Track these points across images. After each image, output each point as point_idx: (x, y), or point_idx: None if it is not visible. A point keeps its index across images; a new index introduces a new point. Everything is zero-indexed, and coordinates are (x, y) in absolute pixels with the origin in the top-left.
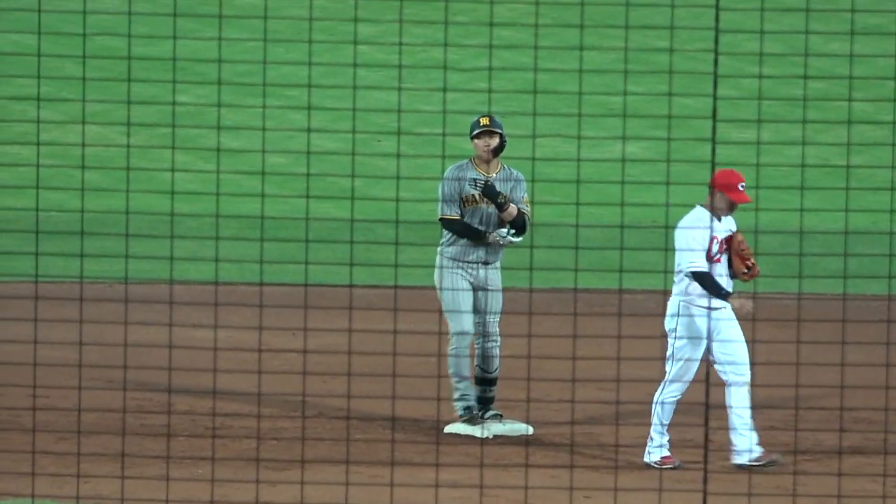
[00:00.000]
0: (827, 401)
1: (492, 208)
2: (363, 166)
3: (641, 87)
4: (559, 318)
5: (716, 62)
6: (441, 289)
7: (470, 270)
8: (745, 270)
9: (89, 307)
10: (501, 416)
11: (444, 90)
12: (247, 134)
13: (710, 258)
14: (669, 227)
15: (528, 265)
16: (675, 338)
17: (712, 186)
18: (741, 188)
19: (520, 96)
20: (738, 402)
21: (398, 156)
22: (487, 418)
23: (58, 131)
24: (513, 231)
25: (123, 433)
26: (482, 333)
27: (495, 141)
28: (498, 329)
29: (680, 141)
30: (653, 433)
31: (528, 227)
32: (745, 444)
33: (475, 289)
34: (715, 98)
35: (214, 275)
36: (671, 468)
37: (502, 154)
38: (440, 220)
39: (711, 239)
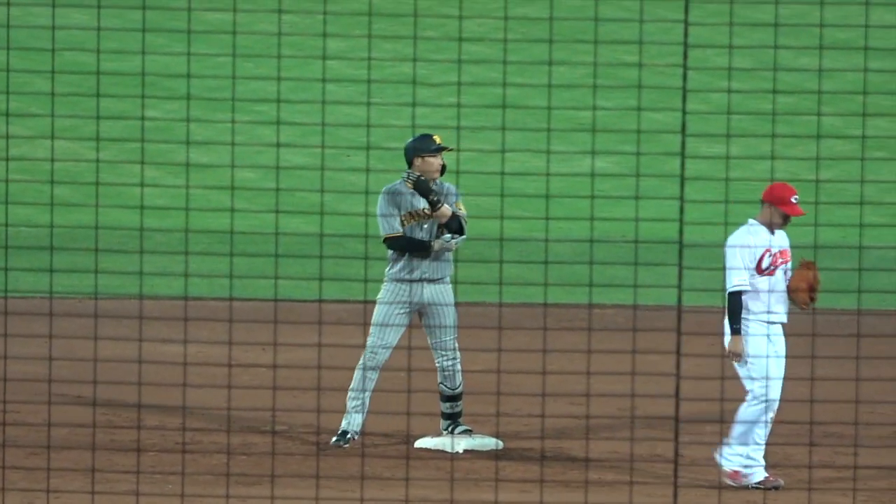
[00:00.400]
0: (797, 415)
1: (430, 222)
2: (332, 181)
3: (611, 102)
4: (529, 333)
5: (685, 77)
6: (377, 302)
7: (413, 289)
8: (808, 302)
9: (59, 322)
10: (471, 431)
11: (414, 105)
12: (216, 149)
13: (761, 271)
14: (639, 242)
15: (498, 280)
16: (744, 360)
17: (765, 200)
18: (794, 201)
19: (489, 111)
20: (752, 416)
21: (367, 171)
22: (458, 434)
23: (27, 146)
24: (454, 236)
25: (93, 448)
26: (439, 350)
27: (441, 161)
28: (456, 345)
29: (649, 155)
30: (749, 452)
31: (465, 230)
32: (738, 460)
33: (421, 309)
34: (684, 112)
35: (184, 290)
36: (735, 483)
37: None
38: (384, 240)
39: (764, 252)
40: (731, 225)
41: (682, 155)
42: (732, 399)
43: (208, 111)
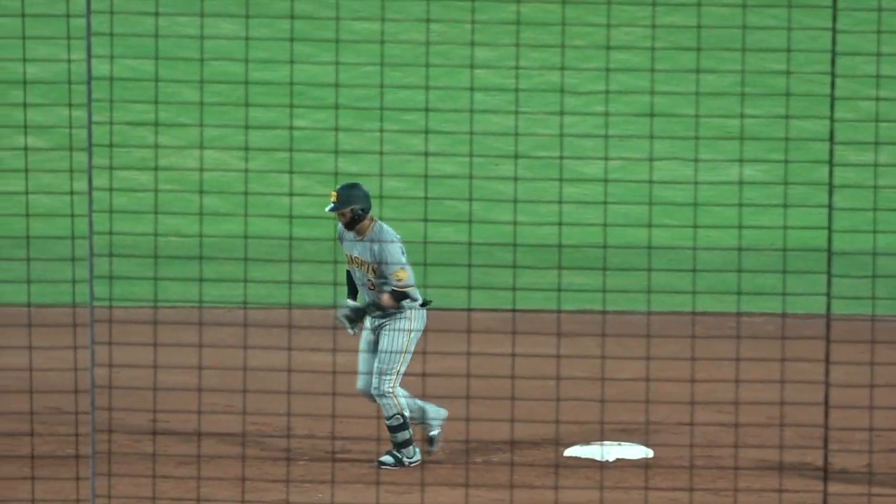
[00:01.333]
0: None
1: (360, 272)
2: (481, 190)
3: (758, 110)
4: (677, 341)
5: (833, 85)
6: None
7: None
8: None
9: (208, 332)
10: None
11: (562, 114)
12: (365, 158)
13: None
14: (788, 250)
15: (647, 288)
16: None
17: None
18: None
19: (637, 119)
20: None
21: (516, 179)
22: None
23: (176, 156)
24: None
25: (243, 458)
26: None
27: (345, 217)
28: (382, 386)
29: (798, 163)
30: None
31: (412, 296)
32: None
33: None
34: (832, 120)
35: (333, 299)
36: None
37: (362, 221)
38: None
39: None
40: (878, 233)
41: (831, 163)
42: (882, 407)
43: (357, 120)
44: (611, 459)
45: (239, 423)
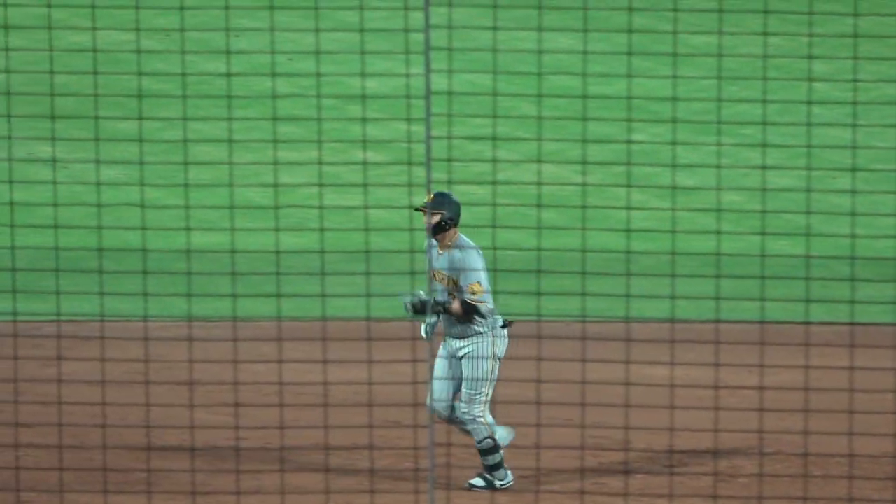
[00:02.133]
0: None
1: (441, 286)
2: (819, 203)
3: None
4: None
5: None
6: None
7: (447, 340)
8: None
9: (546, 345)
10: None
11: None
12: (702, 171)
13: None
14: None
15: None
16: None
17: None
18: None
19: None
20: None
21: (853, 192)
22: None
23: (514, 171)
24: (430, 322)
25: (582, 471)
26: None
27: (434, 219)
28: (471, 411)
29: None
30: None
31: (481, 312)
32: None
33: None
34: None
35: (671, 312)
36: None
37: (447, 233)
38: None
39: None
40: None
41: None
42: None
43: (694, 134)
44: None
45: (578, 436)
